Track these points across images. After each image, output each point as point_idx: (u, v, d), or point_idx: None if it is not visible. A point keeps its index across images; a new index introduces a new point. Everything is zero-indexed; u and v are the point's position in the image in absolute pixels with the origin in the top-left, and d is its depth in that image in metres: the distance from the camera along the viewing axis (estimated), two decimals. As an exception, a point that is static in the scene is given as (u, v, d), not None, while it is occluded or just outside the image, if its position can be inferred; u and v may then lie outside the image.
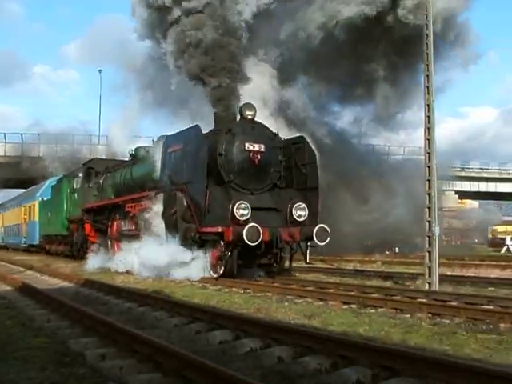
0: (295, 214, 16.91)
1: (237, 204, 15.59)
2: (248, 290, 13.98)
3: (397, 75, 34.67)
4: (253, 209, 15.85)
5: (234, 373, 5.24)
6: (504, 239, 49.06)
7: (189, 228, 16.34)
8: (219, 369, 5.33)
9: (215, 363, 5.63)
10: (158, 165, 18.57)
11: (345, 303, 11.38)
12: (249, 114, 17.28)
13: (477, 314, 9.48)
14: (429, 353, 6.51)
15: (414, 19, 28.46)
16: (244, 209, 15.66)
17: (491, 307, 10.32)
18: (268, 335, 7.44)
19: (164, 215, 17.46)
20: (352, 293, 12.65)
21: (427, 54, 14.93)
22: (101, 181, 25.12)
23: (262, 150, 17.09)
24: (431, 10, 15.12)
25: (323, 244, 16.31)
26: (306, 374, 5.87)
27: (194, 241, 16.22)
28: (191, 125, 17.53)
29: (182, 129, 18.15)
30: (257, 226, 14.91)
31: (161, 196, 17.87)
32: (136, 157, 22.40)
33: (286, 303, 11.50)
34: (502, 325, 8.63)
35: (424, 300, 11.27)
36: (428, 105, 14.72)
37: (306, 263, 17.39)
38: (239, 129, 17.15)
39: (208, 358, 6.08)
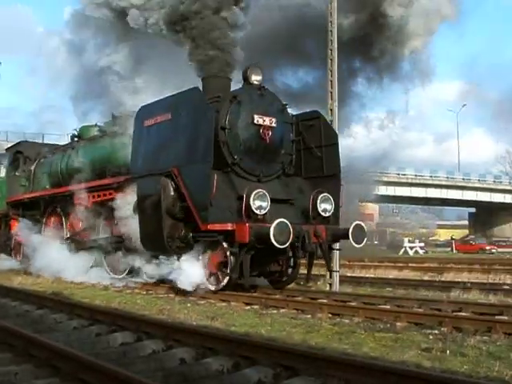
0: (320, 207, 13.45)
1: (254, 193, 12.07)
2: (150, 291, 13.84)
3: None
4: None
5: (134, 375, 5.17)
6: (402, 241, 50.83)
7: (176, 225, 13.07)
8: (119, 371, 5.25)
9: (116, 366, 5.55)
10: (127, 144, 14.83)
11: (247, 304, 11.46)
12: (256, 79, 13.72)
13: (375, 313, 9.77)
14: (329, 352, 6.65)
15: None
16: (263, 199, 12.23)
17: (388, 307, 10.68)
18: (170, 337, 7.38)
19: (139, 208, 13.83)
20: (254, 294, 12.75)
21: (331, 60, 15.22)
22: (32, 168, 20.83)
23: (274, 124, 13.61)
24: (335, 17, 15.38)
25: (360, 246, 13.38)
26: (209, 375, 5.87)
27: (185, 242, 12.97)
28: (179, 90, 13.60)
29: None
30: (286, 221, 11.54)
31: (133, 184, 14.27)
32: (83, 137, 18.85)
33: (189, 304, 11.46)
34: (399, 324, 8.92)
35: (325, 300, 11.51)
36: (331, 109, 15.03)
37: (329, 270, 14.12)
38: (246, 96, 13.55)
39: (109, 360, 5.98)
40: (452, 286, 14.10)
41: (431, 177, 71.62)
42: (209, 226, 12.07)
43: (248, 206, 12.05)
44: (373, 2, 16.13)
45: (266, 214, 12.17)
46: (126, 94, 16.56)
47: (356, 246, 13.10)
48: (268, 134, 13.37)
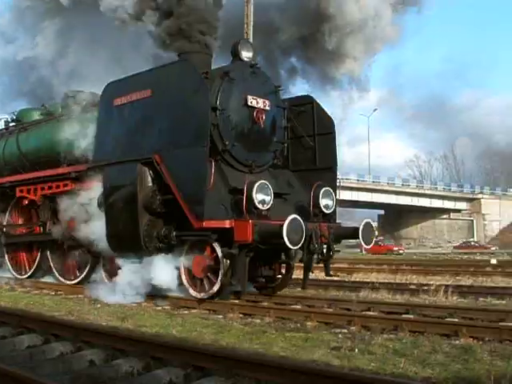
0: (322, 203, 11.90)
1: (256, 185, 10.53)
2: (60, 292, 13.52)
3: None
4: None
5: (40, 378, 5.05)
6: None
7: (154, 222, 11.31)
8: (24, 375, 5.11)
9: (22, 369, 5.39)
10: (88, 127, 12.89)
11: (158, 305, 11.34)
12: (246, 55, 11.95)
13: (285, 313, 9.88)
14: (239, 352, 6.68)
15: None
16: (266, 193, 10.70)
17: (299, 307, 10.83)
18: (79, 338, 7.23)
19: (106, 202, 11.90)
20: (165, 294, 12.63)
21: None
22: None
23: (267, 108, 11.90)
24: (251, 18, 15.19)
25: (368, 247, 12.49)
26: (118, 377, 5.79)
27: (166, 242, 11.21)
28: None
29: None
30: (299, 218, 10.16)
31: (98, 173, 12.29)
32: (23, 121, 16.59)
33: (99, 305, 11.26)
34: (309, 323, 9.05)
35: (236, 301, 11.53)
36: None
37: (328, 275, 12.46)
38: (239, 74, 11.74)
39: (15, 364, 5.81)
40: (361, 286, 14.39)
41: (343, 179, 73.14)
42: (204, 224, 10.27)
43: (249, 199, 10.49)
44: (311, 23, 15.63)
45: (269, 209, 10.76)
46: (59, 79, 15.24)
47: (365, 246, 12.04)
48: (262, 119, 11.70)
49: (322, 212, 11.83)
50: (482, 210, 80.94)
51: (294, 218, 9.95)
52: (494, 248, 66.37)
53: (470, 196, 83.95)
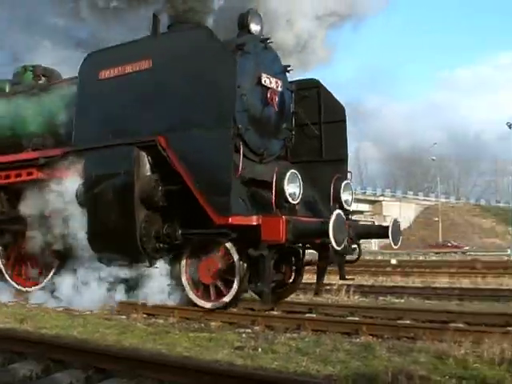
0: (343, 197, 10.71)
1: (288, 175, 9.26)
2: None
3: None
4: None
5: None
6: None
7: (152, 218, 9.73)
8: None
9: None
10: (58, 104, 11.41)
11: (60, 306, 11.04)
12: (256, 29, 10.46)
13: (189, 313, 9.81)
14: (142, 352, 6.60)
15: None
16: (296, 183, 9.48)
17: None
18: (-26, 341, 6.96)
19: (88, 194, 10.17)
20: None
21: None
22: None
23: (280, 89, 10.51)
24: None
25: (396, 247, 10.90)
26: (15, 382, 5.59)
27: (168, 242, 9.71)
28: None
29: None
30: (343, 214, 9.05)
31: (76, 159, 10.47)
32: None
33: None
34: (213, 323, 9.05)
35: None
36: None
37: (344, 278, 11.05)
38: (252, 47, 10.21)
39: None
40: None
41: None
42: (230, 220, 8.65)
43: (280, 192, 9.14)
44: None
45: (298, 203, 9.59)
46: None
47: (394, 247, 10.71)
48: (275, 101, 10.28)
49: (343, 208, 10.45)
50: (383, 211, 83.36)
51: (339, 214, 8.80)
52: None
53: (372, 198, 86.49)
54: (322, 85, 11.39)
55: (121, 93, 10.17)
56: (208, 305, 9.62)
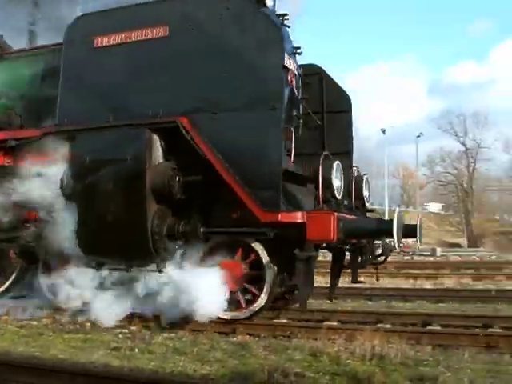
0: (365, 193, 9.83)
1: (335, 167, 8.38)
2: None
3: None
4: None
5: None
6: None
7: (165, 214, 8.24)
8: None
9: None
10: (43, 75, 9.72)
11: None
12: (271, 3, 8.45)
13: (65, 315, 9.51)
14: (13, 355, 6.38)
15: None
16: (340, 178, 8.59)
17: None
18: None
19: (80, 185, 8.47)
20: None
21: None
22: None
23: (296, 72, 8.93)
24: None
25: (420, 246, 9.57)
26: None
27: (183, 241, 8.31)
28: None
29: None
30: (402, 212, 8.26)
31: (59, 141, 8.78)
32: None
33: None
34: (88, 324, 8.77)
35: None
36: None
37: (356, 281, 9.92)
38: (277, 19, 8.52)
39: None
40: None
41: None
42: (280, 216, 7.50)
43: (328, 185, 8.21)
44: None
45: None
46: None
47: (419, 246, 9.43)
48: (293, 84, 8.77)
49: (364, 205, 9.79)
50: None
51: (400, 214, 7.97)
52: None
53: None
54: (324, 71, 10.33)
55: (123, 65, 8.66)
56: (228, 316, 8.29)
